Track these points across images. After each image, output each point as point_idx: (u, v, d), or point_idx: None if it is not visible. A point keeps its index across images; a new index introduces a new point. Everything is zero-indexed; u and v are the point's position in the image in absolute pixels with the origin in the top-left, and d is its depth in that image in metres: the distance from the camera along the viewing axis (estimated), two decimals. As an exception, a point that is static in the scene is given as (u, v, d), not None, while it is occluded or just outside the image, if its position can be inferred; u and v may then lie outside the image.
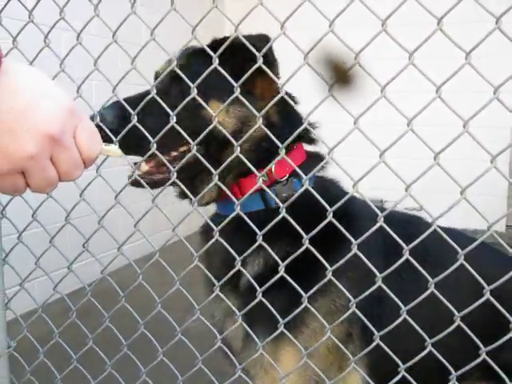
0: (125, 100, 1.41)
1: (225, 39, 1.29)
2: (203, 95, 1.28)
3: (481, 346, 1.05)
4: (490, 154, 0.98)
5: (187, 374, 1.48)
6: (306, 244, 1.18)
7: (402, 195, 1.03)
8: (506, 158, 6.07)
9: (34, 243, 1.67)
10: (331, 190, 1.58)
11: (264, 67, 1.16)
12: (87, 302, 1.59)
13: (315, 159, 1.53)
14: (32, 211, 1.64)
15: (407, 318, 1.11)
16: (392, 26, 1.09)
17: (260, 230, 1.23)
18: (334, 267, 1.17)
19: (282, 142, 1.17)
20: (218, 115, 1.30)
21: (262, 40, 1.32)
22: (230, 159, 1.25)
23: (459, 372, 1.09)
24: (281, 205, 1.20)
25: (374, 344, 1.17)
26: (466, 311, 1.05)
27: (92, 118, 1.38)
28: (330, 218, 1.14)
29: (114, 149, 0.99)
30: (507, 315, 1.02)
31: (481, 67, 0.98)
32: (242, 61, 1.38)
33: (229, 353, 1.49)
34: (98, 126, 1.33)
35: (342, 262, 1.16)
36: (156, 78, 1.67)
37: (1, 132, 0.76)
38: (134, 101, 1.41)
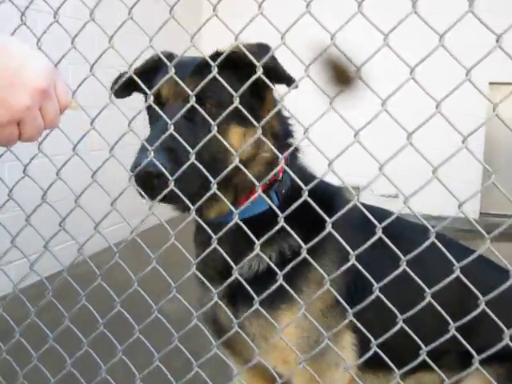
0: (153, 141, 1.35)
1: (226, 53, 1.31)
2: (222, 121, 1.29)
3: (450, 321, 1.11)
4: (462, 135, 1.01)
5: (163, 352, 1.50)
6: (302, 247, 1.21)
7: (376, 174, 1.05)
8: (481, 149, 6.17)
9: (11, 224, 1.67)
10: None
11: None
12: (65, 283, 1.58)
13: (295, 151, 1.68)
14: (8, 190, 1.63)
15: (379, 294, 1.16)
16: (369, 9, 1.11)
17: (263, 229, 1.31)
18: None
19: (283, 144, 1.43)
20: (237, 141, 1.46)
21: (264, 50, 1.33)
22: (227, 170, 1.30)
23: (428, 348, 1.13)
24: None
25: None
26: (436, 288, 1.10)
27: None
28: (305, 196, 1.20)
29: (74, 102, 1.15)
30: (477, 293, 1.06)
31: (455, 52, 1.01)
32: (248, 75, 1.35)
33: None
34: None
35: (317, 239, 1.22)
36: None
37: (2, 87, 0.91)
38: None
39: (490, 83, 6.59)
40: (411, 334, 1.16)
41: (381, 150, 1.38)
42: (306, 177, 1.62)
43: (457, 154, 1.01)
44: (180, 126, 1.34)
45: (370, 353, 1.24)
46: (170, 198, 1.38)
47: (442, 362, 1.34)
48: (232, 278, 1.36)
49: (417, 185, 1.04)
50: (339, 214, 1.18)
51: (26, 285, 1.76)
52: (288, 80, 1.37)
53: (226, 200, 1.34)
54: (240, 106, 1.21)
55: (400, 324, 1.14)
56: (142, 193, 1.37)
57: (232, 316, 1.43)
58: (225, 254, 1.37)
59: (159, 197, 1.33)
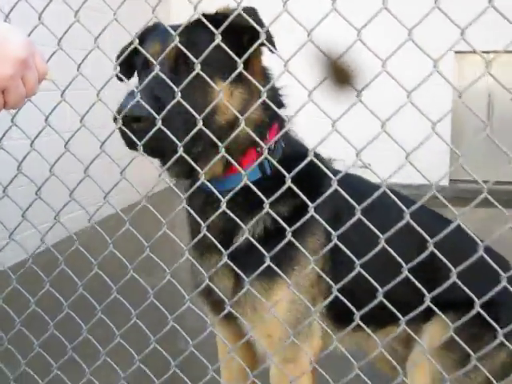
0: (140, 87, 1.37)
1: (221, 13, 1.36)
2: (207, 75, 1.30)
3: (425, 292, 1.17)
4: (431, 122, 1.10)
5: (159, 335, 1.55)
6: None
7: (353, 160, 1.14)
8: (448, 120, 6.29)
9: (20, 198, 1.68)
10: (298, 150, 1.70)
11: (266, 43, 1.23)
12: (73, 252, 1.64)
13: (282, 119, 1.63)
14: (17, 164, 1.64)
15: (361, 270, 1.22)
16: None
17: (256, 196, 1.30)
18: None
19: (271, 118, 1.45)
20: (225, 98, 1.40)
21: (251, 13, 1.34)
22: (235, 133, 1.32)
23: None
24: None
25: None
26: (411, 264, 1.17)
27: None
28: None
29: (50, 72, 1.21)
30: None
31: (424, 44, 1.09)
32: (238, 36, 1.39)
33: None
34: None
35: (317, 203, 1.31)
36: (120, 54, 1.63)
37: None
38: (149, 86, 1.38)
39: (456, 52, 6.70)
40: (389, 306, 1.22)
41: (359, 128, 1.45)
42: (297, 148, 1.68)
43: (426, 124, 1.09)
44: (166, 83, 1.35)
45: (331, 297, 1.30)
46: (153, 149, 1.39)
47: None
48: (241, 239, 1.44)
49: (386, 152, 1.15)
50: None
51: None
52: (271, 42, 1.36)
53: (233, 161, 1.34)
54: (245, 73, 1.25)
55: (357, 269, 1.21)
56: (126, 138, 1.38)
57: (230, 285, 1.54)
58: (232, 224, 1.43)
59: (138, 143, 1.35)
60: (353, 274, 1.22)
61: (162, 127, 1.31)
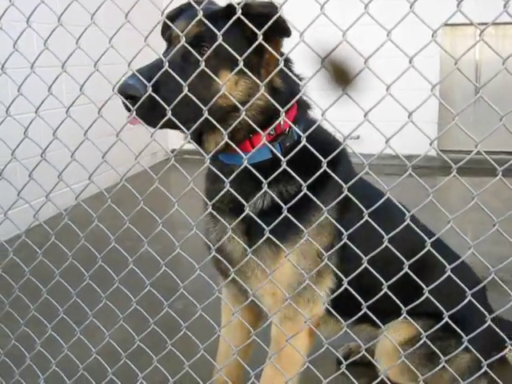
0: (144, 71, 1.48)
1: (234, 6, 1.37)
2: (214, 65, 1.49)
3: (423, 286, 1.38)
4: (431, 84, 1.16)
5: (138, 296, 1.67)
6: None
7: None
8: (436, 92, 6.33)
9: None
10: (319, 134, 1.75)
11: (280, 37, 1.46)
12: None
13: (304, 106, 1.79)
14: (11, 151, 1.79)
15: (368, 266, 1.39)
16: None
17: (265, 174, 1.42)
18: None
19: (286, 101, 1.49)
20: (227, 87, 1.50)
21: (271, 7, 1.46)
22: (236, 122, 1.45)
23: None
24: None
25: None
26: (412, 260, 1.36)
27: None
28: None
29: None
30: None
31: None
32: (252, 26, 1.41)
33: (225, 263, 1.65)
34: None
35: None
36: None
37: None
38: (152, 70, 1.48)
39: (446, 24, 6.70)
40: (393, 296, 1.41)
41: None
42: (315, 131, 1.73)
43: (414, 95, 1.15)
44: (175, 64, 1.46)
45: (341, 289, 1.47)
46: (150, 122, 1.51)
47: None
48: (244, 213, 1.52)
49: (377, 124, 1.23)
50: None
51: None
52: (288, 33, 1.48)
53: (234, 146, 1.45)
54: (244, 68, 1.36)
55: (384, 290, 1.40)
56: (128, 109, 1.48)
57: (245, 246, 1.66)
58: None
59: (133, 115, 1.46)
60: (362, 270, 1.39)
61: (159, 100, 1.42)
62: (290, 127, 1.70)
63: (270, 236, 1.49)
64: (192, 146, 1.64)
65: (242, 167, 1.43)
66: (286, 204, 1.42)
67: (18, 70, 1.61)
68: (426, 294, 1.38)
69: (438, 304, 1.38)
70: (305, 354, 1.78)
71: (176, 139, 1.57)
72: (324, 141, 1.71)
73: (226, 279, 1.77)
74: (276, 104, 1.37)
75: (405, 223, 1.31)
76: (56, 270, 1.81)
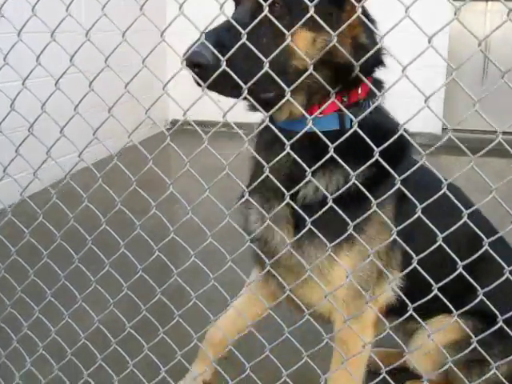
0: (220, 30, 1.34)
1: None
2: (288, 24, 1.28)
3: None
4: (424, 95, 1.10)
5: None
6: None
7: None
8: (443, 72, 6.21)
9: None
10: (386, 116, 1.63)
11: None
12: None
13: (377, 84, 1.57)
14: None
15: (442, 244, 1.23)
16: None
17: (334, 149, 1.25)
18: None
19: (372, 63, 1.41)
20: (305, 46, 1.37)
21: None
22: (301, 78, 1.27)
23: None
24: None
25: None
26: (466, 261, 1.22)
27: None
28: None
29: None
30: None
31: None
32: None
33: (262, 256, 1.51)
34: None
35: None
36: None
37: None
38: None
39: (454, 0, 6.57)
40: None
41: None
42: (382, 113, 1.60)
43: (419, 74, 1.05)
44: (245, 25, 1.27)
45: (431, 295, 1.27)
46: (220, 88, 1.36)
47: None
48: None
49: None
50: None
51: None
52: None
53: (297, 105, 1.30)
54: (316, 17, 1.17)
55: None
56: (196, 78, 1.33)
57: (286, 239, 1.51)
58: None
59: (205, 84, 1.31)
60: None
61: (227, 69, 1.26)
62: (365, 99, 1.53)
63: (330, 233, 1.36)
64: (192, 116, 1.44)
65: (304, 130, 1.25)
66: (350, 193, 1.33)
67: (3, 36, 1.51)
68: (481, 297, 1.23)
69: (491, 307, 1.25)
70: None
71: (177, 109, 1.43)
72: (390, 124, 1.55)
73: (263, 271, 1.54)
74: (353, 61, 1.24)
75: (464, 218, 1.19)
76: (44, 250, 1.74)
